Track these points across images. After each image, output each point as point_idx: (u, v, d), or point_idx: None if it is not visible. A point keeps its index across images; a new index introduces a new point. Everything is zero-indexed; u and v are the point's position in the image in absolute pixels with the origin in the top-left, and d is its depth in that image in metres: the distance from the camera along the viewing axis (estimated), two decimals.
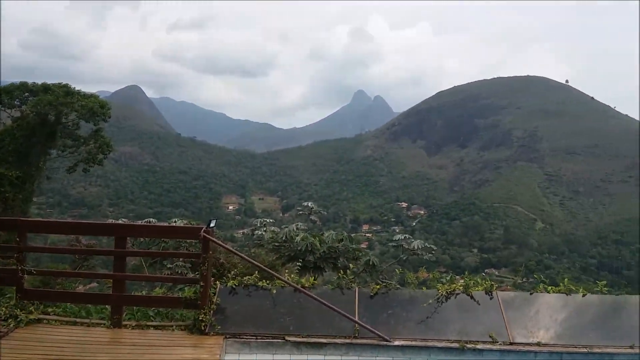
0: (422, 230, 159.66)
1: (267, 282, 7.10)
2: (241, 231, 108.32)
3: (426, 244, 8.64)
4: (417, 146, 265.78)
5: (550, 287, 6.87)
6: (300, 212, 13.40)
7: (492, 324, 6.32)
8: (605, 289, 6.85)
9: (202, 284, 6.58)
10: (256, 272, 7.14)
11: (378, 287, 6.96)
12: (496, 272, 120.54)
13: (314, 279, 8.43)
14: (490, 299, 6.68)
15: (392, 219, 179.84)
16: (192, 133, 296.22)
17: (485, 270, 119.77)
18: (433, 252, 8.88)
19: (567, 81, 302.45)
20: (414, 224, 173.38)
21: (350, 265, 7.81)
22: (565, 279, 6.95)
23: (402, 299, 6.85)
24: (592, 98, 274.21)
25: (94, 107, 28.40)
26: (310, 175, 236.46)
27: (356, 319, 6.43)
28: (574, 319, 6.36)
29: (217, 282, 7.22)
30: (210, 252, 6.64)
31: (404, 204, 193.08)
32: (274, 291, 6.92)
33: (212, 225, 6.70)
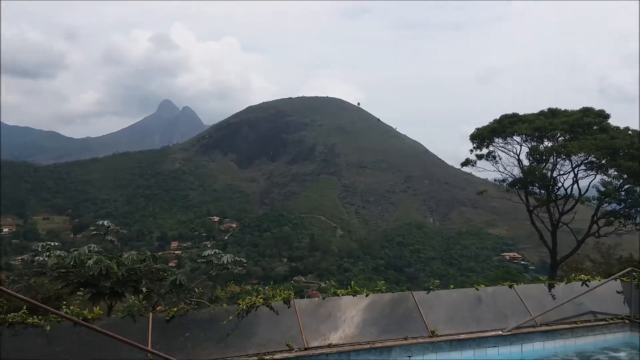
0: (235, 244, 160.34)
1: (40, 317, 6.01)
2: (20, 257, 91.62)
3: (237, 257, 8.48)
4: (229, 159, 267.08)
5: (340, 290, 7.43)
6: (95, 232, 11.80)
7: (290, 332, 6.52)
8: (384, 287, 7.72)
9: None
10: (24, 307, 6.00)
11: (175, 309, 6.53)
12: (303, 279, 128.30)
13: (101, 308, 7.50)
14: (288, 307, 6.89)
15: (204, 234, 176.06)
16: None
17: (294, 278, 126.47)
18: (244, 265, 8.76)
19: (358, 103, 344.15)
20: (226, 237, 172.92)
21: (144, 290, 7.15)
22: (352, 282, 7.63)
23: (201, 319, 6.55)
24: (379, 120, 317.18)
25: None
26: (109, 191, 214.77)
27: (149, 347, 5.89)
28: (359, 318, 6.98)
29: None
30: None
31: (216, 218, 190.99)
32: (48, 328, 5.89)
33: None
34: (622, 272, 8.88)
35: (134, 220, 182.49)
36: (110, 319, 6.47)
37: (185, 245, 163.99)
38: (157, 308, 7.48)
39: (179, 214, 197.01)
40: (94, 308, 6.39)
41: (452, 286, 8.16)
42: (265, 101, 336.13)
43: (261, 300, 6.90)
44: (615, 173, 25.05)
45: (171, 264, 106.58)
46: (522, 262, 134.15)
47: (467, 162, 30.12)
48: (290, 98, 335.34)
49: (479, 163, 29.84)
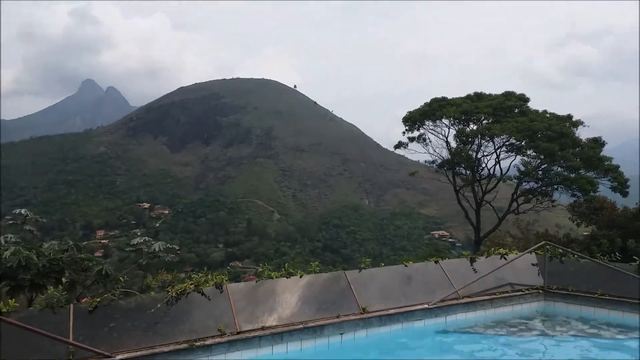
0: (167, 231, 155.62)
1: None
2: None
3: (168, 244, 8.16)
4: (159, 142, 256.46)
5: (274, 273, 7.40)
6: (12, 222, 10.89)
7: (222, 317, 6.41)
8: (317, 268, 7.79)
9: None
10: None
11: (98, 300, 6.20)
12: (240, 264, 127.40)
13: (22, 303, 6.98)
14: (221, 292, 6.76)
15: (133, 222, 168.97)
16: None
17: (231, 264, 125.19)
18: (177, 252, 8.46)
19: (295, 86, 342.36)
20: (158, 224, 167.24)
21: (63, 280, 6.73)
22: (286, 264, 7.63)
23: (127, 308, 6.26)
24: (315, 103, 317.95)
25: None
26: (27, 177, 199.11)
27: (70, 339, 5.56)
28: (293, 299, 7.01)
29: None
30: None
31: (146, 205, 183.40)
32: None
33: None
34: (536, 246, 9.52)
35: (55, 208, 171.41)
36: (27, 312, 6.02)
37: (112, 234, 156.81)
38: (83, 300, 7.09)
39: (105, 201, 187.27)
40: (10, 301, 5.92)
41: (383, 264, 8.40)
42: (198, 82, 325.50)
43: (192, 286, 6.71)
44: (534, 154, 26.91)
45: (97, 253, 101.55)
46: (449, 240, 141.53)
47: (399, 145, 31.10)
48: (225, 79, 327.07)
49: (411, 145, 30.93)
